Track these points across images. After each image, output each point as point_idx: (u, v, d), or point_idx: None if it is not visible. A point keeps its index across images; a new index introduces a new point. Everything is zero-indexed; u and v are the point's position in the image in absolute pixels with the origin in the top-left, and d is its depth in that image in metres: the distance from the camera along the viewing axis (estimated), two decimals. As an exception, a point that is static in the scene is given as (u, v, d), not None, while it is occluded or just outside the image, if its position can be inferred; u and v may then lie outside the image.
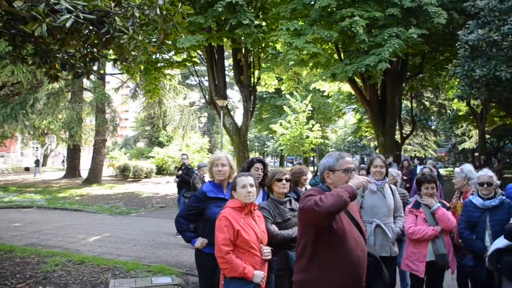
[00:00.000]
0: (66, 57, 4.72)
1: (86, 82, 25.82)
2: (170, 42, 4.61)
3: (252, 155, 58.98)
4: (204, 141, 38.75)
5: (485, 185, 4.20)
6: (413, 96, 31.93)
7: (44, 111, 22.44)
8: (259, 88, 24.97)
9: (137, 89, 30.15)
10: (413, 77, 23.44)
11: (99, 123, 24.32)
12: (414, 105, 33.77)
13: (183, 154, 11.31)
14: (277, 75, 23.99)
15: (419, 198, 4.56)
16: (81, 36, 4.01)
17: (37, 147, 37.57)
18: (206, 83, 26.37)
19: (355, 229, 2.74)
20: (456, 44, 12.48)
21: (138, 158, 33.96)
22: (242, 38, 16.83)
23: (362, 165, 10.44)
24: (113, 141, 35.79)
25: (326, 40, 15.82)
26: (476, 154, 30.48)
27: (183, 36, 15.65)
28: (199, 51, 21.19)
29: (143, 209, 15.18)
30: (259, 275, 3.30)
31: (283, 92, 30.03)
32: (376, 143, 27.43)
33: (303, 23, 16.22)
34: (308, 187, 5.19)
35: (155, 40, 4.57)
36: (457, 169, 5.21)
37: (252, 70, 20.72)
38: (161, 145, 39.51)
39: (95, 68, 17.17)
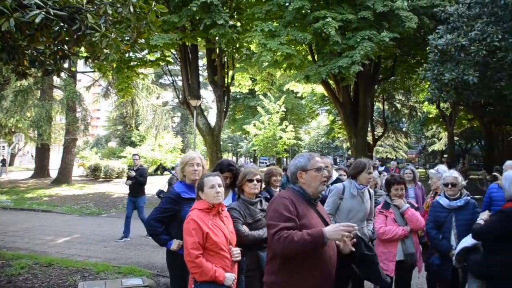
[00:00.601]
0: (35, 53, 4.58)
1: (56, 80, 25.17)
2: (143, 41, 4.56)
3: (225, 155, 58.92)
4: (177, 141, 38.48)
5: (450, 186, 4.32)
6: (385, 98, 32.52)
7: (11, 109, 21.82)
8: (233, 89, 24.97)
9: (109, 87, 29.62)
10: (385, 80, 23.87)
11: (69, 121, 23.76)
12: (386, 107, 34.40)
13: (134, 155, 10.42)
14: (251, 76, 24.05)
15: (388, 199, 4.65)
16: (52, 32, 3.91)
17: (3, 146, 36.41)
18: (180, 83, 26.15)
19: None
20: (427, 48, 12.77)
21: (110, 158, 33.43)
22: (217, 38, 16.78)
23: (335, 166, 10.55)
24: (84, 141, 34.99)
25: (300, 41, 15.94)
26: (445, 155, 31.24)
27: (157, 35, 15.47)
28: (173, 50, 21.00)
29: (114, 209, 14.92)
30: (230, 277, 3.26)
31: (257, 93, 30.13)
32: (348, 144, 27.78)
33: (277, 25, 16.33)
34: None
35: (128, 38, 4.50)
36: (432, 170, 5.34)
37: (226, 70, 20.67)
38: (133, 144, 39.01)
39: (66, 65, 16.80)
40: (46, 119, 22.02)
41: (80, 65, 26.22)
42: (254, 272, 3.71)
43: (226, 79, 20.88)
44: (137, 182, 9.48)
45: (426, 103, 29.61)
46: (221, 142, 26.54)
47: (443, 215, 4.32)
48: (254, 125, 30.46)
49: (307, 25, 15.67)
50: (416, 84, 26.71)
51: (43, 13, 3.26)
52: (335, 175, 6.06)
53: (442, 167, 5.36)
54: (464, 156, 44.29)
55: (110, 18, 3.89)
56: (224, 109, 21.06)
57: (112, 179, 28.07)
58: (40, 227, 11.12)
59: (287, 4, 16.07)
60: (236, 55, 20.99)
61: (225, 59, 20.74)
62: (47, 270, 6.47)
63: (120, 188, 22.09)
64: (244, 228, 3.76)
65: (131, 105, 30.75)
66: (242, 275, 3.62)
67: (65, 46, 4.47)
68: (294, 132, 33.10)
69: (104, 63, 13.80)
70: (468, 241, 3.79)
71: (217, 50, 19.47)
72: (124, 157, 31.93)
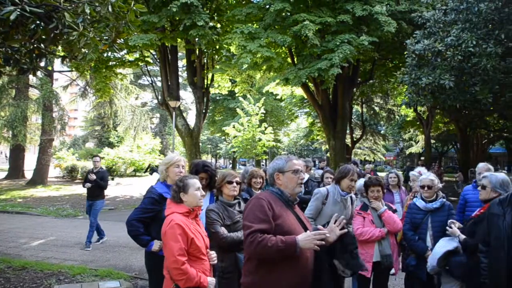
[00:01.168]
0: (10, 51, 4.48)
1: (32, 79, 24.68)
2: (122, 41, 4.52)
3: (205, 157, 58.72)
4: (155, 142, 38.20)
5: (426, 188, 4.42)
6: (364, 101, 32.87)
7: (-16, 108, 21.32)
8: (212, 90, 24.90)
9: (87, 87, 29.21)
10: (363, 83, 24.13)
11: (46, 121, 23.31)
12: (365, 110, 34.77)
13: (94, 156, 9.76)
14: (230, 77, 24.02)
15: (366, 200, 4.71)
16: (27, 30, 3.84)
17: (-24, 146, 35.54)
18: (159, 84, 25.97)
19: (303, 231, 2.78)
20: (405, 53, 12.96)
21: (87, 159, 32.94)
22: (196, 39, 16.72)
23: (313, 168, 10.61)
24: (61, 141, 34.43)
25: (279, 44, 16.00)
26: (422, 158, 31.78)
27: (136, 35, 15.34)
28: (152, 51, 20.86)
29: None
30: (212, 282, 3.24)
31: (236, 95, 30.07)
32: (327, 146, 28.00)
33: (257, 27, 16.36)
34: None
35: (106, 38, 4.44)
36: (414, 172, 5.41)
37: (205, 71, 20.62)
38: (111, 145, 38.61)
39: (42, 64, 16.48)
40: (21, 119, 21.56)
41: (57, 64, 25.75)
42: (232, 274, 3.71)
43: (205, 81, 20.84)
44: (97, 186, 9.00)
45: (403, 106, 30.09)
46: (200, 144, 26.49)
47: (419, 216, 4.41)
48: (234, 127, 30.41)
49: (286, 27, 15.75)
50: (394, 88, 27.09)
51: (18, 10, 3.19)
52: (306, 176, 6.29)
53: (424, 170, 5.46)
54: (440, 159, 45.12)
55: (88, 17, 3.84)
56: (204, 111, 21.00)
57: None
58: (13, 229, 10.86)
59: (267, 6, 16.13)
60: (216, 56, 20.98)
61: (205, 61, 20.71)
62: (21, 273, 6.33)
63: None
64: (223, 230, 3.76)
65: (109, 105, 30.37)
66: (216, 277, 3.62)
67: (42, 45, 4.40)
68: (274, 134, 33.15)
69: (82, 62, 13.61)
70: (450, 244, 3.84)
71: (197, 51, 19.42)
72: (102, 158, 31.51)
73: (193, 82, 20.25)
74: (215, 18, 19.23)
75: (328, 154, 26.11)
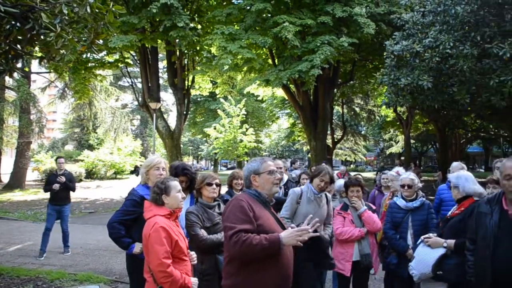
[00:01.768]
0: (-16, 52, 4.39)
1: (8, 80, 24.18)
2: (101, 42, 4.47)
3: (186, 159, 58.45)
4: (136, 144, 37.92)
5: (406, 187, 4.48)
6: (344, 102, 33.20)
7: (-42, 110, 20.81)
8: (193, 91, 24.83)
9: (66, 89, 28.81)
10: (344, 84, 24.35)
11: (23, 124, 22.82)
12: (345, 110, 35.11)
13: (59, 158, 9.01)
14: (211, 79, 23.98)
15: (347, 200, 4.76)
16: (2, 30, 3.76)
17: (-51, 150, 34.67)
18: (139, 85, 25.73)
19: (282, 230, 2.80)
20: (384, 54, 13.11)
21: (66, 162, 32.44)
22: (177, 40, 16.66)
23: (294, 170, 10.65)
24: (39, 144, 33.88)
25: (260, 45, 16.03)
26: (402, 158, 32.23)
27: (116, 36, 15.18)
28: (132, 52, 20.68)
29: (70, 215, 14.40)
30: (195, 282, 3.25)
31: (217, 96, 30.05)
32: (308, 147, 28.16)
33: (238, 28, 16.36)
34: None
35: (85, 39, 4.39)
36: (392, 172, 5.46)
37: (186, 73, 20.54)
38: (91, 148, 38.20)
39: (19, 65, 16.18)
40: (-3, 121, 21.15)
41: (35, 65, 25.34)
42: (212, 276, 3.70)
43: (186, 82, 20.74)
44: (66, 188, 8.47)
45: (383, 107, 30.45)
46: (182, 145, 26.32)
47: (400, 215, 4.47)
48: (215, 128, 30.38)
49: (267, 29, 15.79)
50: (374, 89, 27.42)
51: (-7, 10, 3.13)
52: (285, 177, 6.34)
53: (402, 169, 5.53)
54: (420, 159, 45.81)
55: (66, 18, 3.79)
56: (185, 112, 20.91)
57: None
58: (-10, 234, 10.63)
59: (248, 8, 16.15)
60: (197, 57, 20.90)
61: (186, 62, 20.62)
62: (-3, 279, 6.19)
63: (77, 193, 21.42)
64: (203, 232, 3.75)
65: (89, 107, 30.04)
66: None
67: (18, 46, 4.31)
68: (255, 135, 33.24)
69: (60, 64, 13.40)
70: (436, 250, 3.83)
71: (177, 53, 19.32)
72: (82, 160, 31.17)
73: (174, 84, 20.15)
74: (196, 19, 19.17)
75: (309, 155, 26.24)
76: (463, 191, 3.84)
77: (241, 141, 29.91)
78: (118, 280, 6.34)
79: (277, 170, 3.04)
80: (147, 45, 18.54)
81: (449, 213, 4.01)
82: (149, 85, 19.69)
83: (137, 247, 3.77)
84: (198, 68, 20.37)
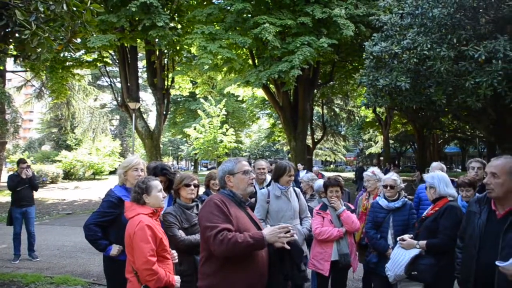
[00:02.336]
0: (-44, 50, 4.29)
1: (-18, 79, 23.66)
2: (78, 41, 4.39)
3: (166, 159, 58.04)
4: (115, 145, 37.52)
5: (389, 188, 4.53)
6: (324, 102, 33.45)
7: None
8: (173, 91, 24.70)
9: (43, 88, 28.32)
10: (324, 85, 24.53)
11: (-3, 124, 22.39)
12: (325, 111, 35.37)
13: (21, 158, 8.51)
14: (191, 79, 23.88)
15: (326, 200, 4.79)
16: (-25, 28, 3.67)
17: None
18: (118, 85, 25.51)
19: (256, 230, 2.82)
20: (363, 55, 13.24)
21: (43, 162, 31.96)
22: (156, 40, 16.52)
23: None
24: (14, 144, 33.22)
25: (240, 45, 16.04)
26: (381, 158, 32.61)
27: (94, 35, 14.99)
28: (111, 51, 20.45)
29: (47, 216, 14.22)
30: (178, 280, 3.27)
31: (197, 96, 29.97)
32: (288, 147, 28.27)
33: (218, 28, 16.32)
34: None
35: (62, 37, 4.31)
36: (368, 173, 5.52)
37: (166, 72, 20.42)
38: (69, 148, 37.64)
39: (-7, 64, 15.82)
40: (-30, 121, 20.63)
41: (10, 63, 24.79)
42: (191, 277, 3.69)
43: (166, 82, 20.61)
44: (31, 187, 8.07)
45: (363, 107, 30.81)
46: (161, 146, 26.18)
47: (382, 215, 4.51)
48: (195, 129, 30.28)
49: (247, 29, 15.80)
50: (353, 89, 27.68)
51: (-35, 7, 3.05)
52: (269, 178, 6.14)
53: (377, 170, 5.58)
54: (399, 159, 46.42)
55: (42, 16, 3.71)
56: (164, 112, 20.79)
57: (46, 185, 26.78)
58: (-37, 237, 10.35)
59: (228, 8, 16.12)
60: (177, 57, 20.80)
61: (165, 62, 20.50)
62: (-30, 284, 6.04)
63: (54, 194, 21.13)
64: (181, 233, 3.74)
65: (67, 107, 29.58)
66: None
67: (-9, 44, 4.22)
68: (235, 136, 33.26)
69: (36, 62, 13.16)
70: (410, 251, 3.89)
71: (157, 52, 19.19)
72: (59, 161, 30.72)
73: (153, 84, 20.00)
74: (176, 18, 19.06)
75: (289, 155, 26.36)
76: (438, 192, 3.92)
77: (221, 141, 29.88)
78: (96, 283, 6.25)
79: (251, 170, 3.05)
80: (126, 45, 18.36)
81: (425, 213, 4.08)
82: (128, 84, 19.51)
83: (114, 249, 3.72)
84: (178, 68, 20.28)
